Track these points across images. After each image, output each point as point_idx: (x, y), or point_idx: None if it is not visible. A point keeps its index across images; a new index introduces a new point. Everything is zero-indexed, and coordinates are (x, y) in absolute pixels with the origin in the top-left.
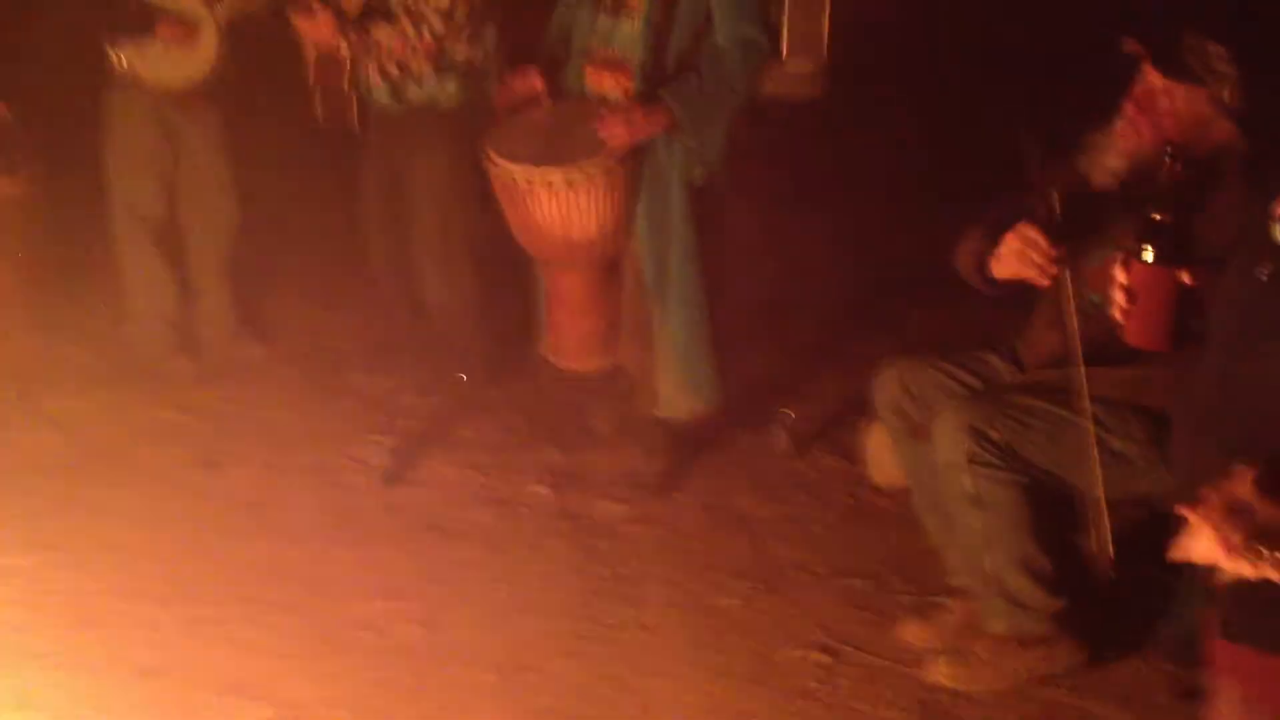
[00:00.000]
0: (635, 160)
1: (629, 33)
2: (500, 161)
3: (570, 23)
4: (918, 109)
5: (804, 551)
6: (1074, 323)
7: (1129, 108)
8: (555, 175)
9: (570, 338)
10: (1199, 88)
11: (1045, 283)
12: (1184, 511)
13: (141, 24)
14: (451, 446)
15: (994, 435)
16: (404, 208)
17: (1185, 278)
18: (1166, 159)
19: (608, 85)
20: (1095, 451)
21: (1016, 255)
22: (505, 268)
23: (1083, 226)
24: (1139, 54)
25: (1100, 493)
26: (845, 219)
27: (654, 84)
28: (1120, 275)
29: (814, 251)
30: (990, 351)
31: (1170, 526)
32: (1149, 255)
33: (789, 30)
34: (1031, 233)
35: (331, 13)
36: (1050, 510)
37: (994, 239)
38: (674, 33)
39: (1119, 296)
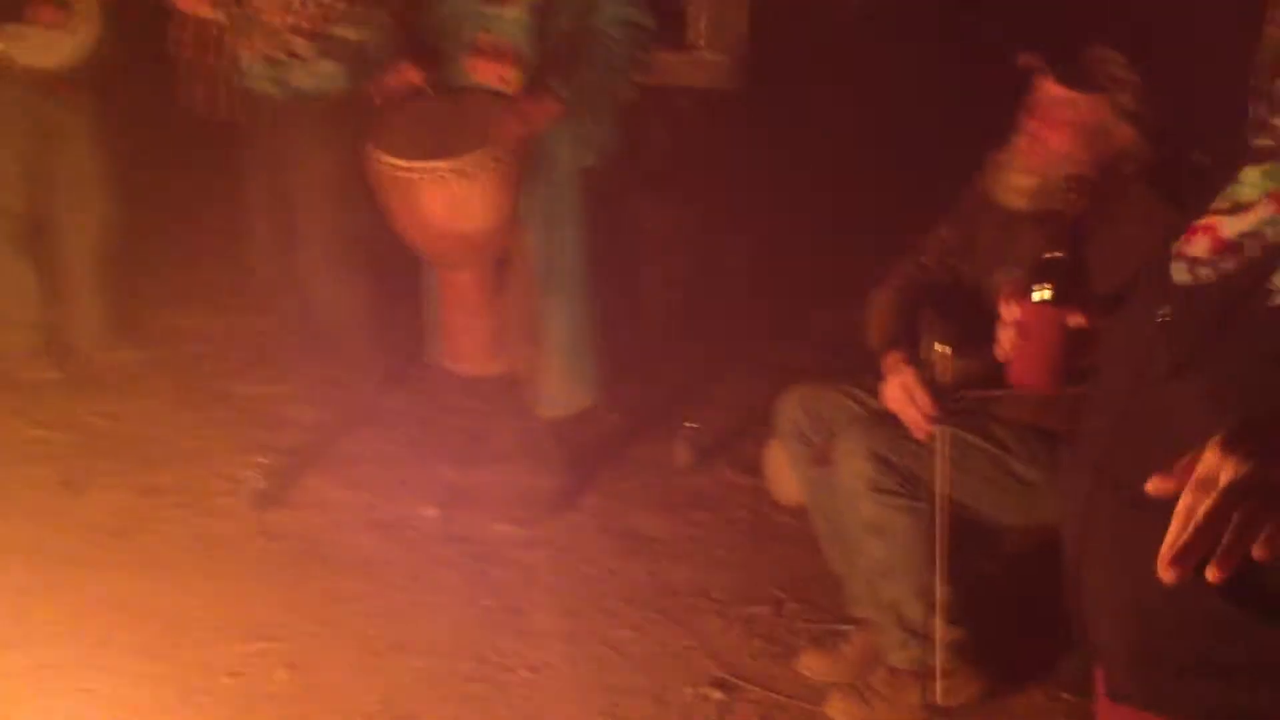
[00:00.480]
0: (524, 148)
1: (512, 19)
2: (385, 157)
3: (448, 14)
4: (841, 107)
5: (703, 575)
6: (947, 483)
7: (1030, 122)
8: (444, 167)
9: (466, 340)
10: (1100, 95)
11: (920, 437)
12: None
13: (13, 4)
14: (335, 463)
15: (896, 461)
16: (290, 205)
17: (1078, 320)
18: (1066, 191)
19: (491, 74)
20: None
21: (895, 400)
22: (397, 270)
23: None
24: (1036, 67)
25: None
26: (759, 218)
27: (538, 70)
28: (1009, 312)
29: (726, 250)
30: None
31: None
32: (1042, 294)
33: (706, 19)
34: (913, 385)
35: None
36: (954, 537)
37: (886, 347)
38: (557, 17)
39: (1006, 334)
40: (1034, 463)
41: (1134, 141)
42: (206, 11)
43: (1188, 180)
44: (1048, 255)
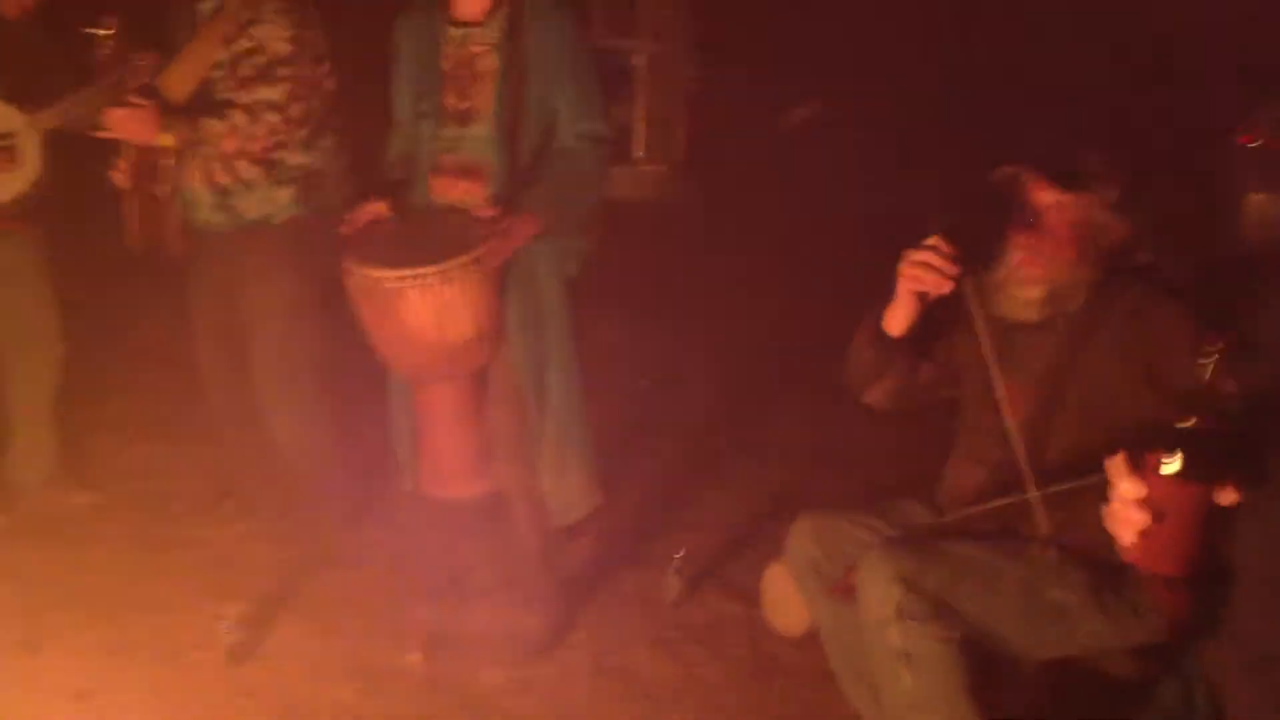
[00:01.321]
0: (505, 257)
1: (478, 137)
2: (367, 270)
3: (409, 140)
4: (780, 210)
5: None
6: (986, 332)
7: (1021, 236)
8: (431, 273)
9: (446, 460)
10: (1091, 194)
11: (947, 286)
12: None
13: None
14: (309, 608)
15: (925, 584)
16: (240, 337)
17: (1221, 497)
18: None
19: (460, 193)
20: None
21: (913, 273)
22: (358, 397)
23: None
24: (1021, 177)
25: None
26: (713, 324)
27: (509, 186)
28: (1134, 488)
29: (682, 360)
30: (909, 499)
31: (1107, 683)
32: (1176, 467)
33: (642, 132)
34: (931, 240)
35: (155, 106)
36: (983, 671)
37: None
38: (524, 131)
39: (1133, 514)
40: (1067, 586)
41: (1130, 237)
42: (153, 138)
43: (1188, 274)
44: (1182, 424)
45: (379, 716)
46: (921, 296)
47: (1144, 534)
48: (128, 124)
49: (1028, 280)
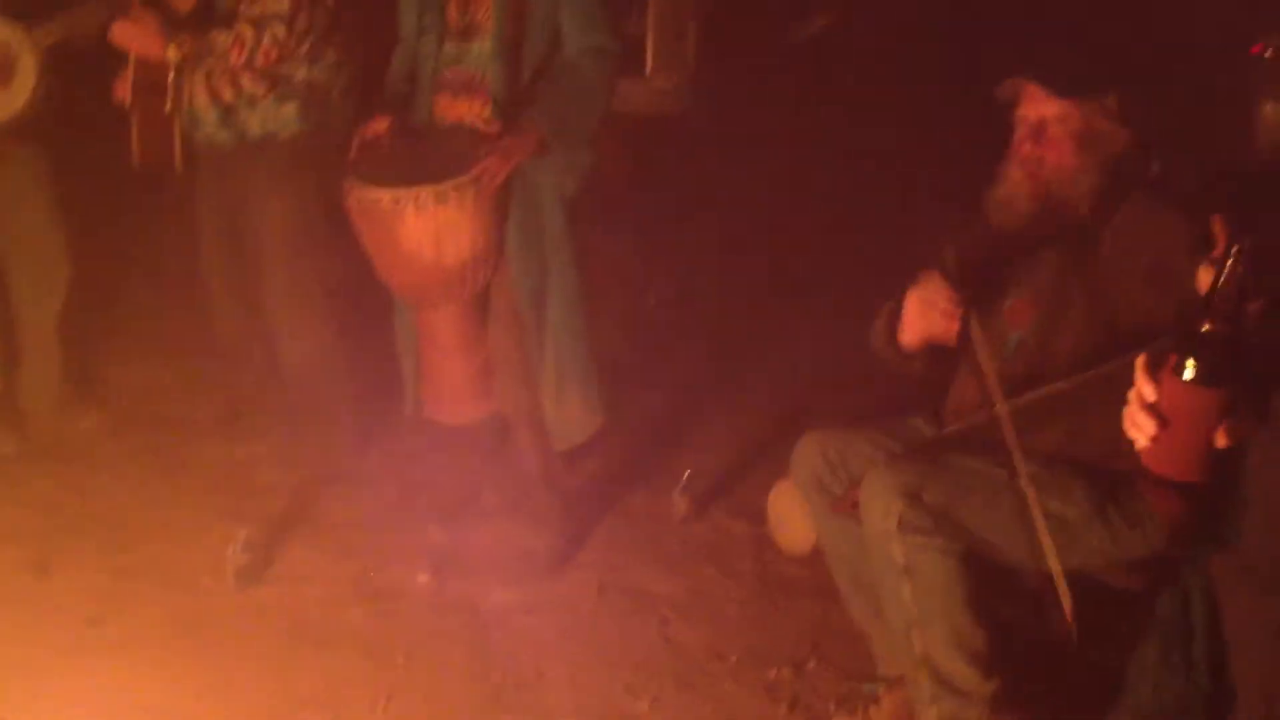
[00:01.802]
0: (506, 177)
1: (480, 53)
2: (365, 190)
3: (412, 57)
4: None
5: (715, 635)
6: (990, 365)
7: (1024, 146)
8: (426, 193)
9: (448, 385)
10: (1089, 101)
11: (951, 330)
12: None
13: None
14: (319, 530)
15: (927, 499)
16: (247, 255)
17: (1233, 404)
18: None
19: (463, 110)
20: (1041, 519)
21: (918, 309)
22: (365, 320)
23: (995, 271)
24: (1020, 84)
25: (1056, 564)
26: (724, 234)
27: (511, 102)
28: (1147, 390)
29: (691, 278)
30: (914, 416)
31: (1107, 594)
32: (1189, 372)
33: (653, 46)
34: (930, 280)
35: (157, 17)
36: (985, 582)
37: (894, 318)
38: (527, 48)
39: (1144, 418)
40: (1066, 499)
41: (1131, 145)
42: (158, 51)
43: (1191, 183)
44: (1203, 327)
45: (389, 637)
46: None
47: (1155, 438)
48: (132, 36)
49: (1029, 195)
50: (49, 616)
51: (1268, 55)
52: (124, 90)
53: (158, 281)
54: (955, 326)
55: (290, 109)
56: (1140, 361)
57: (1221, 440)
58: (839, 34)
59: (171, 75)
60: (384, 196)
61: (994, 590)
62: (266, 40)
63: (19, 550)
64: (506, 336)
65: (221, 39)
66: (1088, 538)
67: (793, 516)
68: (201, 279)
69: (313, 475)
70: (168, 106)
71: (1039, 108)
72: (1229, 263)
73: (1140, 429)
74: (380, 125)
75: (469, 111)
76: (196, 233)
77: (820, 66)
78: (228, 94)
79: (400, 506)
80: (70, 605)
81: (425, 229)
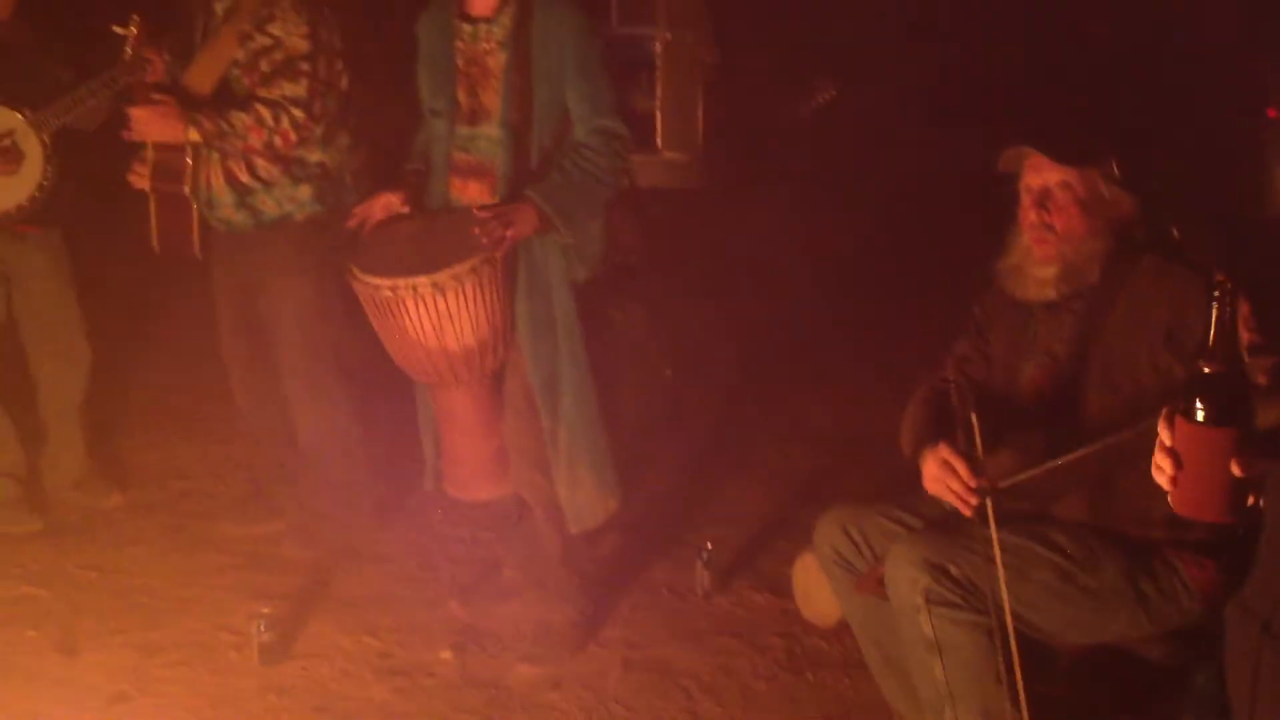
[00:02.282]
0: (508, 261)
1: (489, 136)
2: (364, 276)
3: (429, 137)
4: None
5: (743, 711)
6: (999, 560)
7: (1030, 213)
8: (422, 282)
9: (468, 463)
10: (1091, 168)
11: (966, 513)
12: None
13: None
14: (341, 607)
15: (953, 571)
16: (265, 336)
17: (1244, 441)
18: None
19: (474, 193)
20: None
21: (935, 480)
22: (384, 394)
23: (1016, 342)
24: (1023, 153)
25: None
26: (737, 312)
27: (519, 185)
28: (1164, 436)
29: (707, 349)
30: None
31: (1143, 668)
32: (1199, 414)
33: (662, 121)
34: (950, 459)
35: (176, 101)
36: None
37: (919, 447)
38: (534, 133)
39: (1164, 461)
40: (1098, 571)
41: (1136, 208)
42: (178, 133)
43: (1198, 244)
44: (1207, 369)
45: (411, 715)
46: None
47: (1176, 480)
48: (151, 122)
49: (1042, 260)
50: (78, 696)
51: None
52: (141, 179)
53: (179, 361)
54: (969, 510)
55: (305, 191)
56: (1165, 411)
57: (1238, 472)
58: (842, 108)
59: (189, 158)
60: (384, 285)
61: (1026, 663)
62: (285, 124)
63: (46, 629)
64: (519, 420)
65: (241, 120)
66: (1122, 611)
67: (818, 589)
68: (221, 359)
69: (333, 552)
70: (186, 190)
71: (1042, 175)
72: (1226, 305)
73: (1162, 472)
74: (391, 199)
75: (479, 194)
76: (215, 313)
77: (827, 140)
78: (244, 176)
79: (421, 582)
80: (98, 683)
81: (426, 317)
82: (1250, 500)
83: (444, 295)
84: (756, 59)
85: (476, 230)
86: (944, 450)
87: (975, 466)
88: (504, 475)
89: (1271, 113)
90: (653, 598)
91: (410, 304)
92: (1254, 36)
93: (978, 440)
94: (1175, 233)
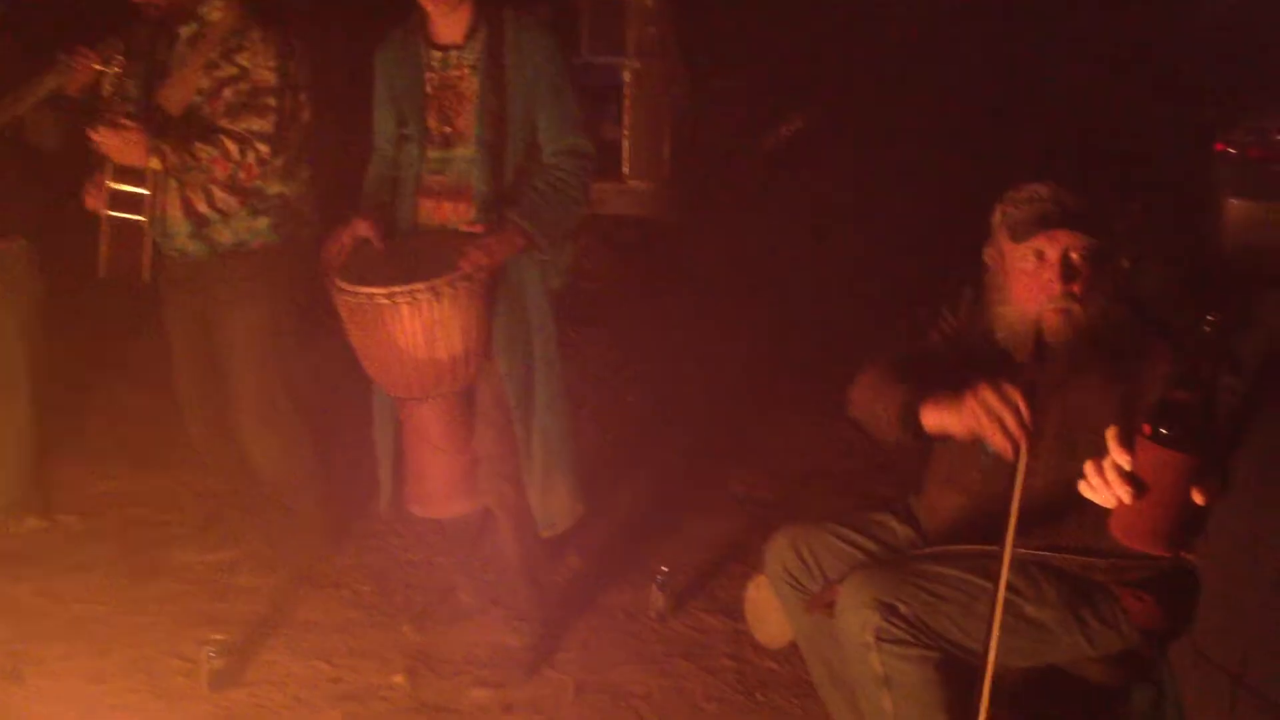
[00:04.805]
0: (492, 273)
1: (464, 158)
2: (356, 287)
3: (387, 171)
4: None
5: None
6: (1017, 504)
7: (1055, 285)
8: (421, 289)
9: (435, 479)
10: (1103, 235)
11: (1008, 450)
12: None
13: None
14: (293, 632)
15: (903, 609)
16: (217, 362)
17: (1204, 468)
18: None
19: (448, 213)
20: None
21: (985, 413)
22: (338, 419)
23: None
24: (1039, 217)
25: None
26: (700, 339)
27: (494, 204)
28: (1121, 458)
29: (669, 375)
30: (886, 513)
31: (1084, 689)
32: (1164, 438)
33: (629, 150)
34: (1014, 395)
35: (142, 128)
36: (964, 688)
37: (917, 388)
38: (509, 151)
39: (1119, 484)
40: (1043, 603)
41: (1124, 274)
42: (140, 161)
43: (1170, 281)
44: (1177, 394)
45: None
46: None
47: (1129, 507)
48: (115, 144)
49: (1054, 330)
50: None
51: (1233, 153)
52: (96, 200)
53: (133, 387)
54: (1013, 447)
55: (263, 223)
56: (1111, 432)
57: (1199, 499)
58: (808, 139)
59: (149, 187)
60: (379, 293)
61: (970, 689)
62: (251, 159)
63: None
64: (491, 430)
65: (207, 153)
66: (1064, 638)
67: (769, 611)
68: (173, 385)
69: (286, 578)
70: (143, 218)
71: (1060, 242)
72: (1205, 336)
73: (1114, 494)
74: (363, 227)
75: (454, 214)
76: (166, 340)
77: (793, 170)
78: (201, 207)
79: (375, 607)
80: (44, 712)
81: (420, 324)
82: (1192, 536)
83: (440, 301)
84: (725, 90)
85: (460, 262)
86: (1008, 386)
87: (1035, 413)
88: (469, 492)
89: (1220, 146)
90: (608, 621)
91: (405, 311)
92: (1201, 70)
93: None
94: (1125, 263)
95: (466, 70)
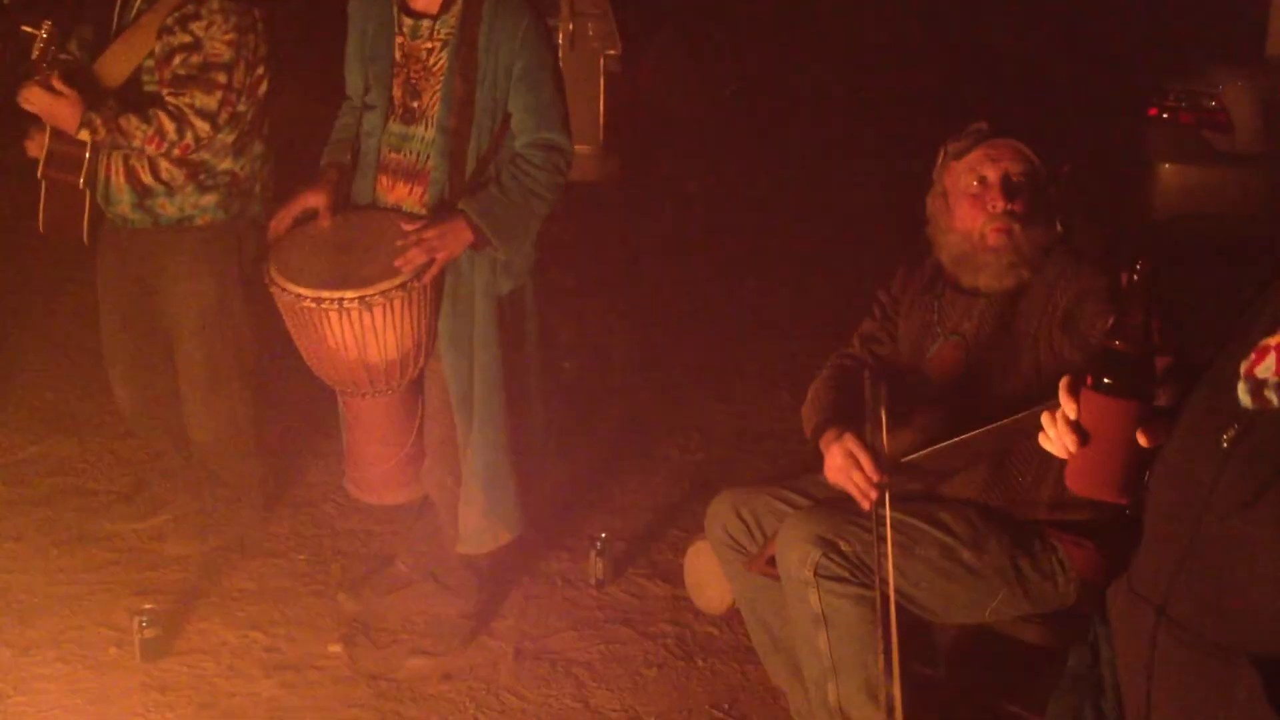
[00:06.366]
0: (437, 277)
1: (423, 139)
2: (285, 284)
3: (356, 127)
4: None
5: (633, 699)
6: (890, 554)
7: (999, 201)
8: (349, 296)
9: (373, 469)
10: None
11: (865, 507)
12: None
13: None
14: (226, 602)
15: (844, 547)
16: (154, 333)
17: (1147, 414)
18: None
19: (402, 194)
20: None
21: (839, 470)
22: (283, 387)
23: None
24: (989, 143)
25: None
26: (637, 306)
27: (451, 193)
28: (1068, 408)
29: (606, 342)
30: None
31: (1023, 655)
32: (1106, 386)
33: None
34: (856, 452)
35: (78, 93)
36: (902, 632)
37: (822, 428)
38: (471, 140)
39: (1066, 434)
40: (981, 549)
41: (1058, 199)
42: (70, 130)
43: (1098, 239)
44: (1116, 344)
45: (300, 709)
46: None
47: (1077, 455)
48: (46, 108)
49: (996, 248)
50: None
51: (1164, 118)
52: (36, 149)
53: (61, 354)
54: (868, 504)
55: (210, 199)
56: (1064, 382)
57: (1144, 442)
58: (744, 100)
59: (88, 152)
60: (307, 295)
61: (907, 643)
62: (189, 138)
63: None
64: (435, 424)
65: (141, 130)
66: (1000, 588)
67: (709, 576)
68: (103, 349)
69: (219, 547)
70: (80, 182)
71: (1001, 164)
72: (1136, 285)
73: (1063, 444)
74: (311, 198)
75: (409, 197)
76: (99, 305)
77: (730, 132)
78: (146, 177)
79: (310, 576)
80: None
81: (349, 331)
82: (1143, 478)
83: (370, 312)
84: (658, 52)
85: (398, 263)
86: (850, 442)
87: (879, 462)
88: (408, 483)
89: (1153, 111)
90: (547, 588)
91: (334, 317)
92: (1136, 36)
93: (884, 436)
94: (1059, 226)
95: (436, 44)
